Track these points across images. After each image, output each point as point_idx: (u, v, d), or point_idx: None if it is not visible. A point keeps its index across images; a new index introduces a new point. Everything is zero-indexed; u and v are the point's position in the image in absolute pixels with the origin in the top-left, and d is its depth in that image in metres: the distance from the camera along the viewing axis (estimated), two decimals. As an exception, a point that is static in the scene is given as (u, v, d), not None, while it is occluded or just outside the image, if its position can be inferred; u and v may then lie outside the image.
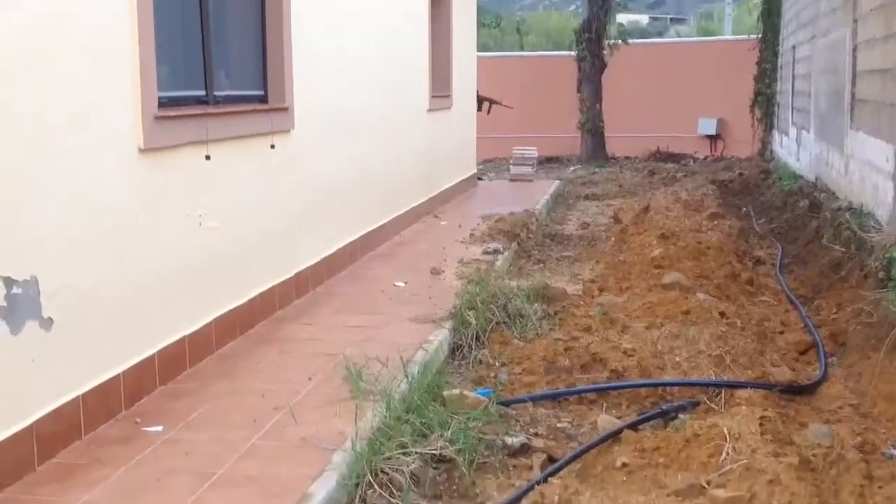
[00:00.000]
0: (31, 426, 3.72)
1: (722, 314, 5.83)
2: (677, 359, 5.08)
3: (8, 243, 3.62)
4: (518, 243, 8.94)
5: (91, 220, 4.17)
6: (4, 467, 3.56)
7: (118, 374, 4.34)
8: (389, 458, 3.72)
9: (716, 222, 9.05)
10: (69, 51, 4.01)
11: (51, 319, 3.88)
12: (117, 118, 4.38)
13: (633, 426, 4.33)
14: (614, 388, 4.83)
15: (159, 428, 4.16)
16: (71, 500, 3.46)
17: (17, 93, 3.68)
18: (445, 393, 4.52)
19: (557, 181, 14.57)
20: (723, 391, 4.63)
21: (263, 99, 6.40)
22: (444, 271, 7.56)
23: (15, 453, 3.62)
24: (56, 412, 3.88)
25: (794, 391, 4.78)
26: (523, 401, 4.69)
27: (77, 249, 4.07)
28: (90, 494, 3.51)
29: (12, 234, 3.65)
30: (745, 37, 19.97)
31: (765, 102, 17.18)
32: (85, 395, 4.07)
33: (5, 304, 3.60)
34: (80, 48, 4.08)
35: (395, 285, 7.09)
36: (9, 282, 3.63)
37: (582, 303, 6.53)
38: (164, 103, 4.84)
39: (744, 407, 4.30)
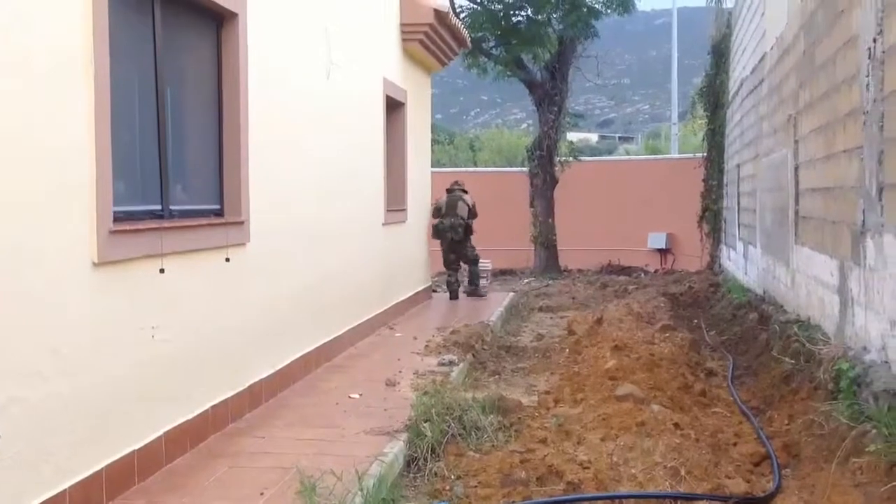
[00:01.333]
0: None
1: (676, 425, 5.85)
2: (633, 470, 5.07)
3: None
4: (473, 355, 8.95)
5: (41, 333, 4.13)
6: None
7: (65, 490, 4.23)
8: (344, 576, 3.64)
9: (668, 334, 9.16)
10: (26, 165, 4.04)
11: (-2, 433, 3.79)
12: (71, 232, 4.39)
13: (591, 540, 4.30)
14: (571, 501, 4.79)
15: (106, 546, 4.04)
16: None
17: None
18: (400, 507, 4.45)
19: (512, 293, 14.71)
20: (679, 503, 4.62)
21: (219, 213, 6.45)
22: (399, 383, 7.53)
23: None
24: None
25: (750, 503, 4.78)
26: (479, 515, 4.64)
27: (26, 362, 4.01)
28: None
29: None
30: (692, 155, 20.66)
31: (712, 218, 17.64)
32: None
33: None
34: (36, 163, 4.12)
35: (350, 397, 7.04)
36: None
37: (537, 414, 6.52)
38: (119, 217, 4.86)
39: (700, 519, 4.29)
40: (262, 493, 4.74)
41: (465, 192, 14.38)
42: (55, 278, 4.24)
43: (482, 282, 14.82)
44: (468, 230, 14.21)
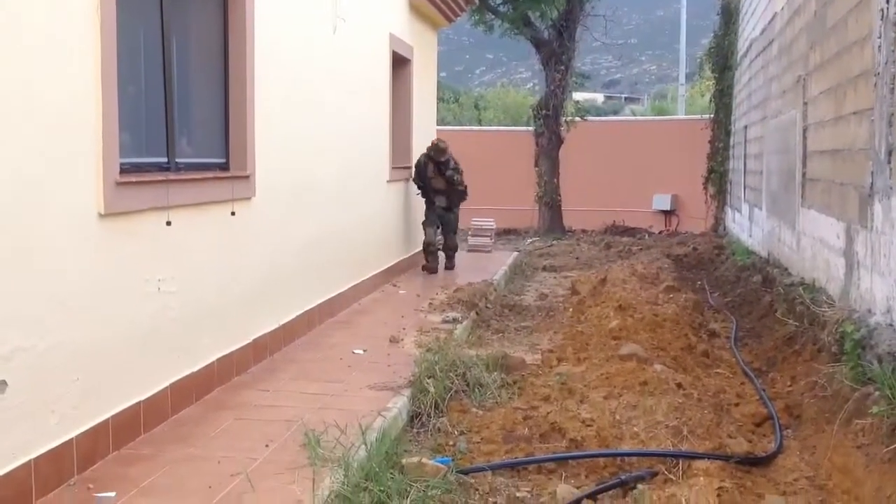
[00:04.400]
0: (-21, 492, 3.63)
1: (679, 385, 5.88)
2: (635, 429, 5.09)
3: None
4: (477, 313, 8.97)
5: (48, 283, 4.13)
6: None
7: (71, 439, 4.26)
8: (348, 527, 3.68)
9: (671, 295, 9.17)
10: (32, 116, 4.01)
11: (4, 382, 3.81)
12: (78, 183, 4.37)
13: (593, 496, 4.34)
14: (573, 458, 4.83)
15: (112, 494, 4.07)
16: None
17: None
18: (404, 461, 4.49)
19: (515, 252, 14.70)
20: (681, 462, 4.64)
21: (225, 166, 6.43)
22: (402, 339, 7.55)
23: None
24: (7, 476, 3.79)
25: (751, 463, 4.81)
26: (482, 469, 4.67)
27: (33, 312, 4.02)
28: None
29: (-31, 295, 3.60)
30: (699, 116, 20.53)
31: (718, 180, 17.57)
32: (37, 460, 3.99)
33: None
34: (42, 113, 4.09)
35: (354, 353, 7.07)
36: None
37: (541, 372, 6.55)
38: (125, 169, 4.85)
39: (702, 478, 4.32)
40: (266, 445, 4.78)
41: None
42: (61, 229, 4.24)
43: (485, 240, 14.82)
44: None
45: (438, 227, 12.20)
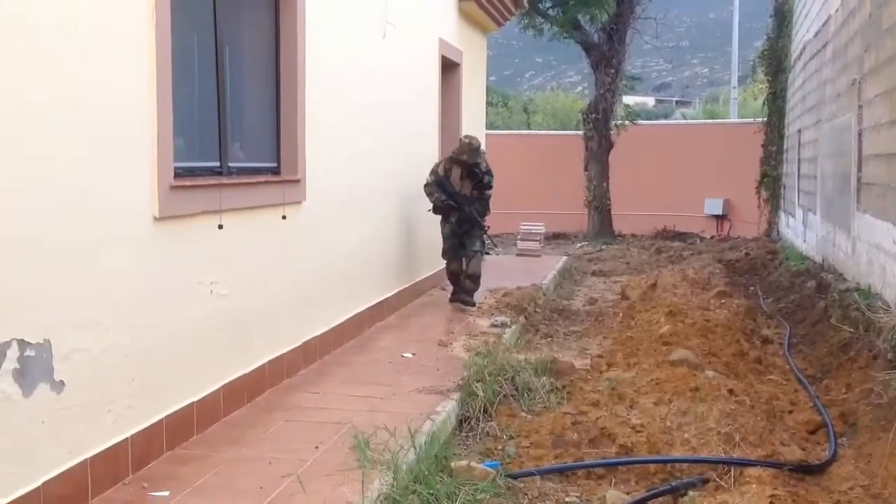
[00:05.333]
0: (39, 488, 3.71)
1: (731, 392, 5.81)
2: (686, 435, 5.05)
3: (23, 306, 3.65)
4: (525, 317, 8.95)
5: (104, 286, 4.21)
6: (11, 530, 3.54)
7: (126, 438, 4.34)
8: (397, 529, 3.69)
9: (723, 301, 9.06)
10: (91, 120, 4.09)
11: (62, 382, 3.89)
12: (134, 187, 4.45)
13: (643, 502, 4.30)
14: (623, 464, 4.80)
15: (166, 493, 4.14)
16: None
17: (38, 161, 3.75)
18: (453, 464, 4.50)
19: (564, 257, 14.64)
20: (732, 469, 4.59)
21: (276, 171, 6.50)
22: (451, 343, 7.57)
23: (22, 517, 3.60)
24: (65, 475, 3.87)
25: (804, 471, 4.74)
26: (531, 474, 4.66)
27: (90, 313, 4.10)
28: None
29: (27, 298, 3.68)
30: (751, 120, 20.28)
31: (771, 184, 17.34)
32: (93, 459, 4.07)
33: (18, 366, 3.62)
34: (101, 118, 4.17)
35: (402, 356, 7.10)
36: (23, 344, 3.65)
37: (590, 377, 6.52)
38: (179, 173, 4.93)
39: (754, 485, 4.27)
40: (316, 447, 4.82)
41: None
42: (118, 232, 4.31)
43: (534, 244, 14.72)
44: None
45: (462, 254, 9.54)
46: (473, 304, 9.26)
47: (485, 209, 9.57)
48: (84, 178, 4.06)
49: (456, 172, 9.37)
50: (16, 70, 3.60)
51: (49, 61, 3.80)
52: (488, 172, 9.57)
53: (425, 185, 9.36)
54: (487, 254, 13.83)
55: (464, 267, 9.44)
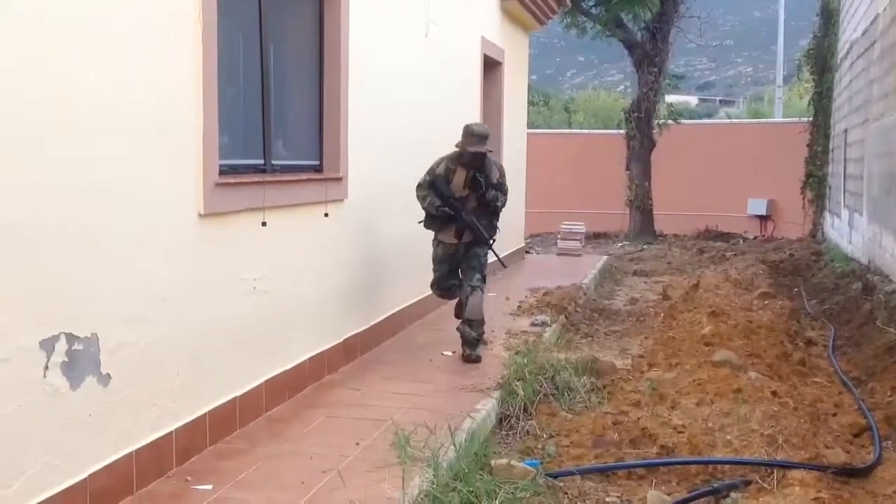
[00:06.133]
0: (85, 480, 3.77)
1: (774, 393, 5.74)
2: (728, 437, 5.01)
3: (71, 300, 3.72)
4: (566, 317, 8.93)
5: (151, 281, 4.27)
6: (58, 520, 3.60)
7: (171, 432, 4.40)
8: (437, 526, 3.70)
9: (766, 302, 8.97)
10: (138, 119, 4.15)
11: (109, 376, 3.95)
12: (180, 183, 4.51)
13: (684, 503, 4.27)
14: (664, 465, 4.77)
15: (209, 486, 4.19)
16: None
17: (86, 160, 3.81)
18: (493, 462, 4.50)
19: (605, 256, 14.57)
20: (775, 471, 4.54)
21: (319, 168, 6.54)
22: (491, 342, 7.56)
23: (69, 507, 3.67)
24: (110, 467, 3.93)
25: (849, 473, 4.67)
26: (571, 473, 4.65)
27: (136, 309, 4.16)
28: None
29: (75, 292, 3.75)
30: (796, 119, 20.03)
31: (816, 184, 17.12)
32: (138, 452, 4.13)
33: (66, 359, 3.69)
34: (148, 117, 4.23)
35: (442, 354, 7.11)
36: (71, 338, 3.72)
37: (631, 377, 6.49)
38: (224, 171, 4.98)
39: (797, 488, 4.23)
40: (357, 443, 4.85)
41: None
42: (164, 228, 4.37)
43: (575, 244, 14.64)
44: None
45: (456, 284, 7.45)
46: (479, 359, 6.84)
47: (491, 229, 7.23)
48: (131, 175, 4.12)
49: (460, 176, 7.08)
50: (64, 71, 3.66)
51: (98, 62, 3.86)
52: (499, 187, 7.17)
53: (417, 187, 7.15)
54: (528, 252, 13.69)
55: (464, 305, 7.11)
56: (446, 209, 7.10)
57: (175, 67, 4.46)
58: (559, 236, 15.52)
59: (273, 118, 5.78)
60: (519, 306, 9.31)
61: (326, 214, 6.23)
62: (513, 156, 13.14)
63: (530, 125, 16.20)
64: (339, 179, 6.56)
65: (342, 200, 6.61)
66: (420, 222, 7.31)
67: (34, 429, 3.51)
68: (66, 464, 3.69)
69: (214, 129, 4.80)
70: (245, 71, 5.57)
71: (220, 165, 4.92)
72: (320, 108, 6.56)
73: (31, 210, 3.48)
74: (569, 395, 5.92)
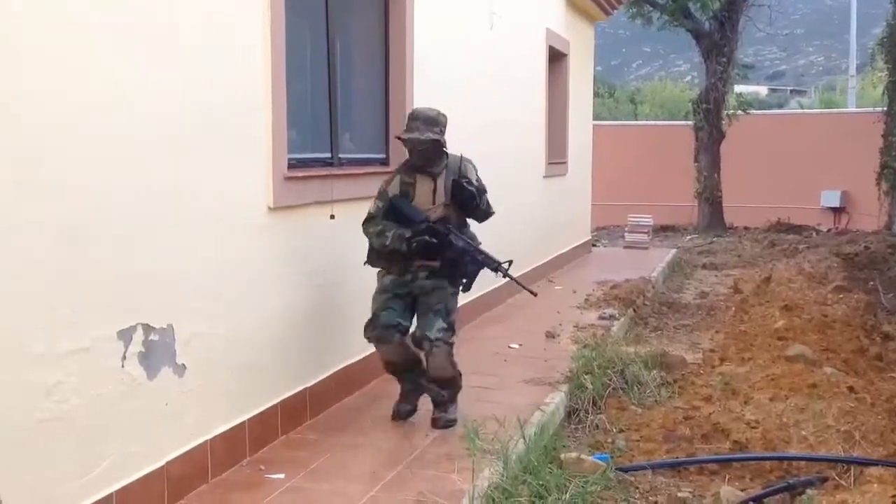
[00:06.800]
0: (162, 467, 3.85)
1: (850, 389, 5.61)
2: (803, 433, 4.90)
3: (147, 292, 3.79)
4: (634, 310, 8.84)
5: (223, 274, 4.32)
6: (137, 507, 3.69)
7: (244, 422, 4.46)
8: (507, 518, 3.70)
9: (841, 296, 8.76)
10: (209, 115, 4.21)
11: (184, 366, 4.03)
12: (250, 178, 4.57)
13: (758, 499, 4.20)
14: (738, 460, 4.69)
15: (282, 475, 4.25)
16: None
17: (161, 156, 3.88)
18: (563, 456, 4.48)
19: (674, 250, 14.39)
20: (852, 468, 4.44)
21: (385, 162, 6.56)
22: (559, 335, 7.53)
23: (147, 493, 3.75)
24: (186, 455, 4.01)
25: (930, 471, 4.54)
26: (643, 468, 4.60)
27: (209, 301, 4.22)
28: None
29: (151, 284, 3.82)
30: (870, 109, 19.51)
31: (892, 175, 16.65)
32: (213, 441, 4.20)
33: (143, 349, 3.77)
34: (218, 112, 4.29)
35: (509, 347, 7.10)
36: (147, 328, 3.79)
37: (702, 372, 6.40)
38: (292, 164, 5.03)
39: (875, 485, 4.12)
40: (426, 435, 4.87)
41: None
42: (235, 222, 4.43)
43: (642, 237, 14.44)
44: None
45: (405, 327, 5.18)
46: (452, 423, 5.07)
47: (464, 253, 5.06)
48: (204, 171, 4.18)
49: (423, 189, 5.10)
50: (137, 71, 3.72)
51: (170, 60, 3.92)
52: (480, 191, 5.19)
53: (365, 223, 5.14)
54: (594, 245, 13.52)
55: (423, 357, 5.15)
56: (426, 238, 4.92)
57: (245, 63, 4.51)
58: (626, 229, 15.38)
59: (340, 112, 5.81)
60: (586, 299, 9.25)
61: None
62: (578, 148, 13.06)
63: (595, 117, 16.05)
64: (405, 172, 6.57)
65: (409, 193, 6.61)
66: (365, 263, 5.17)
67: (113, 417, 3.59)
68: (145, 451, 3.77)
69: (283, 124, 4.85)
70: (312, 65, 5.61)
71: (289, 159, 4.97)
72: (386, 102, 6.58)
73: (109, 205, 3.56)
74: (638, 389, 5.87)
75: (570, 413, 5.61)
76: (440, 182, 5.08)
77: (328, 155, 5.71)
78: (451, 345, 5.09)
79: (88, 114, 3.45)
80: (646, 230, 15.13)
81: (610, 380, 5.90)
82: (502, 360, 6.69)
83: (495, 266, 5.10)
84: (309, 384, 5.15)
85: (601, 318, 8.26)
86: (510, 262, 5.16)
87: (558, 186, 11.83)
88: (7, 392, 3.08)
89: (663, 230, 18.55)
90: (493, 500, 3.85)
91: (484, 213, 5.32)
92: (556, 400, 5.55)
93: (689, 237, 17.68)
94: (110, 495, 3.55)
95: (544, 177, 11.00)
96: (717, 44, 18.85)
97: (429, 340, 5.02)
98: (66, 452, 3.34)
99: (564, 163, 12.17)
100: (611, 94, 44.95)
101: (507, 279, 5.22)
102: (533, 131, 10.49)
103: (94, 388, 3.48)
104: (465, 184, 5.02)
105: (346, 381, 5.59)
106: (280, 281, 4.87)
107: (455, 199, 5.07)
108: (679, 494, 4.37)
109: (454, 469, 4.28)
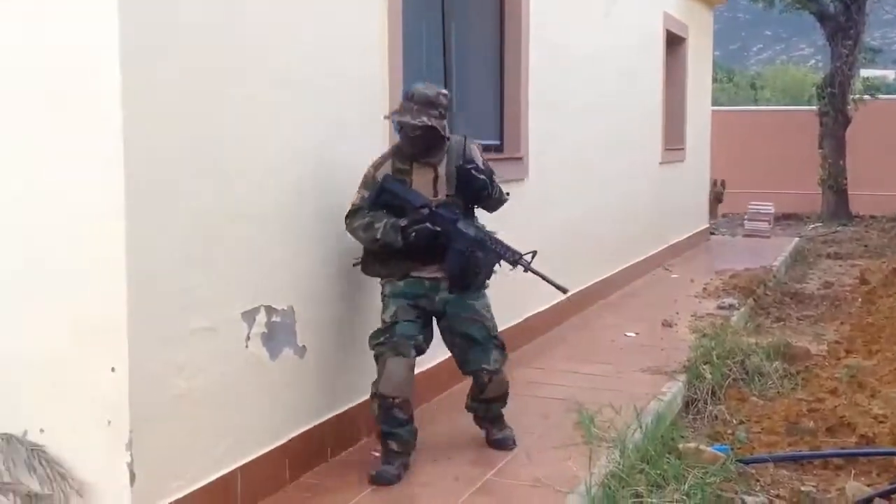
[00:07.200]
0: (284, 445, 3.96)
1: (984, 383, 5.34)
2: (934, 428, 4.69)
3: (270, 274, 3.89)
4: (755, 300, 8.61)
5: (339, 257, 4.38)
6: (260, 482, 3.80)
7: (359, 403, 4.52)
8: (624, 507, 3.66)
9: (977, 288, 8.33)
10: (330, 98, 4.29)
11: (304, 347, 4.12)
12: (364, 162, 4.60)
13: (886, 495, 4.03)
14: (865, 455, 4.51)
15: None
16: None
17: (284, 143, 3.98)
18: (681, 446, 4.40)
19: (796, 238, 13.95)
20: None
21: (499, 148, 6.56)
22: (675, 324, 7.39)
23: (269, 470, 3.86)
24: (306, 434, 4.11)
25: None
26: (764, 460, 4.48)
27: (326, 283, 4.31)
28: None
29: (274, 267, 3.92)
30: None
31: None
32: (331, 421, 4.28)
33: (266, 330, 3.87)
34: (338, 96, 4.36)
35: (625, 335, 7.01)
36: (270, 310, 3.89)
37: (826, 364, 6.18)
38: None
39: None
40: (541, 421, 4.86)
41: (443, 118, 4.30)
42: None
43: (763, 225, 14.03)
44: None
45: (422, 347, 4.37)
46: (514, 443, 4.52)
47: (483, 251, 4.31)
48: (328, 157, 4.25)
49: (422, 178, 4.28)
50: (273, 62, 3.83)
51: (296, 61, 4.03)
52: (481, 170, 4.34)
53: (350, 216, 4.23)
54: (712, 233, 13.24)
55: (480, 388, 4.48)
56: (427, 226, 4.12)
57: (362, 52, 4.57)
58: (746, 217, 15.00)
59: (455, 98, 5.83)
60: (704, 288, 9.05)
61: (508, 193, 6.17)
62: (696, 134, 12.78)
63: (714, 102, 15.65)
64: (519, 159, 6.56)
65: (522, 180, 6.60)
66: (355, 264, 4.33)
67: (238, 395, 3.70)
68: (268, 429, 3.88)
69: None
70: (428, 51, 5.64)
71: (406, 145, 5.00)
72: (501, 88, 6.58)
73: (231, 191, 3.66)
74: (759, 380, 5.72)
75: (688, 403, 5.50)
76: (441, 170, 4.25)
77: (443, 140, 5.73)
78: (502, 370, 4.46)
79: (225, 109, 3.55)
80: (767, 218, 14.72)
81: (730, 370, 5.76)
82: (618, 349, 6.62)
83: (515, 258, 4.31)
84: (423, 368, 5.18)
85: (720, 307, 8.07)
86: (534, 254, 4.36)
87: (675, 173, 11.60)
88: (145, 370, 3.21)
89: (785, 218, 17.97)
90: (610, 487, 3.81)
91: (497, 202, 4.51)
92: (674, 389, 5.46)
93: (812, 226, 17.08)
94: (234, 471, 3.67)
95: (660, 163, 10.80)
96: (843, 26, 18.11)
97: (486, 370, 4.36)
98: (194, 428, 3.46)
99: (682, 149, 11.92)
100: (730, 79, 43.81)
101: (532, 274, 4.38)
102: (649, 117, 10.31)
103: (221, 366, 3.60)
104: (472, 171, 4.23)
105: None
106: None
107: (462, 190, 4.25)
108: (802, 488, 4.23)
109: (570, 456, 4.25)
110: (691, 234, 12.45)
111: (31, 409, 3.26)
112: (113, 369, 3.13)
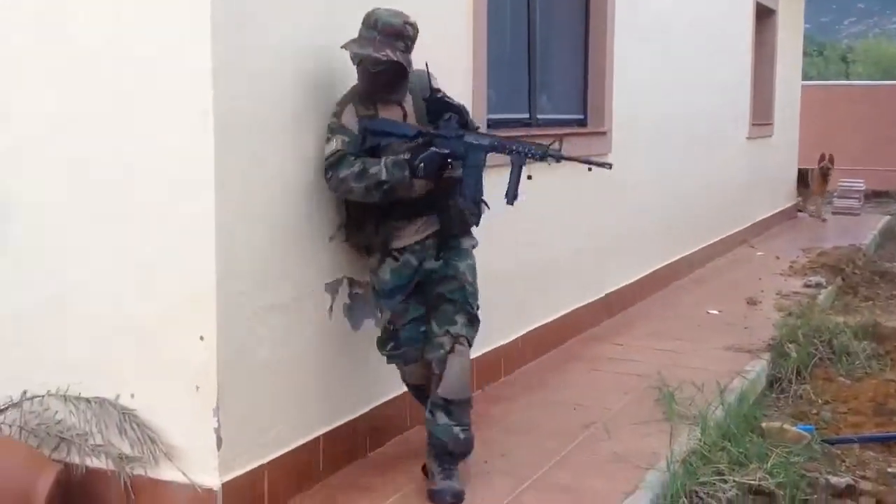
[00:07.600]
0: (366, 414, 4.02)
1: None
2: None
3: (351, 249, 3.93)
4: (843, 278, 8.40)
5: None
6: (341, 450, 3.87)
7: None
8: (705, 483, 3.63)
9: None
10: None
11: (385, 319, 4.16)
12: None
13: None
14: (957, 439, 4.40)
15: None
16: (387, 493, 3.67)
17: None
18: (764, 425, 4.35)
19: (887, 216, 13.54)
20: None
21: (583, 123, 6.51)
22: (760, 302, 7.26)
23: (350, 439, 3.93)
24: (386, 405, 4.15)
25: None
26: (850, 441, 4.39)
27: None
28: (417, 484, 3.73)
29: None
30: None
31: None
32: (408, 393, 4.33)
33: (349, 301, 3.92)
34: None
35: (708, 312, 6.91)
36: (351, 282, 3.94)
37: (917, 344, 6.01)
38: (491, 124, 5.06)
39: None
40: (622, 396, 4.85)
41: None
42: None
43: (853, 202, 13.67)
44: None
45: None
46: (460, 498, 3.59)
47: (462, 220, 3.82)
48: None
49: (391, 116, 3.68)
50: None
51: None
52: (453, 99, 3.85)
53: (332, 167, 3.58)
54: (800, 211, 12.90)
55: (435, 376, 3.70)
56: (435, 151, 3.53)
57: (448, 25, 4.57)
58: (836, 194, 14.59)
59: (538, 73, 5.79)
60: (790, 266, 8.88)
61: (590, 169, 6.12)
62: (785, 109, 12.47)
63: (804, 77, 15.22)
64: (602, 134, 6.50)
65: (606, 155, 6.53)
66: (332, 238, 3.80)
67: (321, 365, 3.77)
68: (350, 398, 3.94)
69: (483, 84, 4.90)
70: (513, 26, 5.61)
71: (488, 119, 5.01)
72: (585, 62, 6.51)
73: (312, 168, 3.70)
74: (847, 360, 5.60)
75: (773, 382, 5.42)
76: (408, 107, 3.69)
77: (526, 115, 5.72)
78: (470, 346, 3.73)
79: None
80: (857, 196, 14.30)
81: (816, 349, 5.66)
82: (699, 326, 6.54)
83: (541, 152, 3.63)
84: (502, 342, 5.21)
85: (806, 285, 7.91)
86: (560, 140, 3.73)
87: (763, 149, 11.34)
88: (232, 338, 3.28)
89: (876, 196, 17.41)
90: (691, 464, 3.77)
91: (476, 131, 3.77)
92: (758, 368, 5.38)
93: (905, 204, 16.54)
94: (317, 438, 3.74)
95: (748, 138, 10.58)
96: (943, -5, 17.40)
97: (451, 336, 3.62)
98: (278, 395, 3.53)
99: (770, 124, 11.65)
100: (820, 53, 42.56)
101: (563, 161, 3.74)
102: (737, 91, 10.10)
103: (304, 336, 3.66)
104: (445, 98, 3.74)
105: (539, 341, 5.62)
106: (486, 242, 4.91)
107: (437, 122, 3.63)
108: (889, 470, 4.14)
109: (650, 432, 4.24)
110: (777, 211, 12.20)
111: (124, 375, 3.37)
112: (202, 338, 3.22)
